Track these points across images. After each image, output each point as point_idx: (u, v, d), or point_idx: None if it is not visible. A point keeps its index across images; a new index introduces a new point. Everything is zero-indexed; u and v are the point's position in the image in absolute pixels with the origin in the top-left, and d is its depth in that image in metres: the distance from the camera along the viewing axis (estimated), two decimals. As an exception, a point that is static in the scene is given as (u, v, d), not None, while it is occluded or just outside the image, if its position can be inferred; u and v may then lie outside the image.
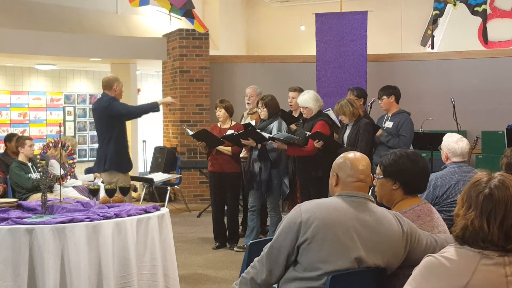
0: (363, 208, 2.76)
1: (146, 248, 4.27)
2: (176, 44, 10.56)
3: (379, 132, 6.62)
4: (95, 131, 13.16)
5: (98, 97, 6.73)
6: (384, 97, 6.77)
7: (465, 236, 2.09)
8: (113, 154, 6.27)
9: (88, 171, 9.28)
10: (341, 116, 6.42)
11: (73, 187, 7.79)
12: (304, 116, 6.63)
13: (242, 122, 7.39)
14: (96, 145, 7.25)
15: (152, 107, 6.53)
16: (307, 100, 6.53)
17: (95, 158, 6.94)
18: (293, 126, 7.12)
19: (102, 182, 6.51)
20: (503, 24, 12.43)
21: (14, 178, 7.26)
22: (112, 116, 6.28)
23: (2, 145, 11.63)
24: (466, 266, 2.07)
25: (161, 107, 6.84)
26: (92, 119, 13.69)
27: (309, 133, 6.29)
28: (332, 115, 6.88)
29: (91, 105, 7.39)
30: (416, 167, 3.00)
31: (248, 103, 7.65)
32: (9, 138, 8.45)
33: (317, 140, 6.26)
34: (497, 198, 2.07)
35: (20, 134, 9.34)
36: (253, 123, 7.27)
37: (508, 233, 2.06)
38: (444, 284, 2.06)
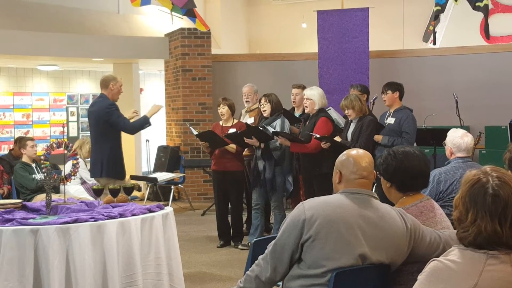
0: (367, 205, 2.77)
1: (150, 247, 4.27)
2: (178, 43, 10.56)
3: (379, 137, 6.57)
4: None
5: (95, 98, 6.65)
6: (389, 92, 6.76)
7: (478, 242, 2.04)
8: (109, 161, 6.20)
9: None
10: (349, 110, 6.33)
11: (82, 184, 7.84)
12: (307, 110, 6.62)
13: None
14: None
15: (144, 123, 6.39)
16: (314, 93, 6.54)
17: None
18: (295, 129, 7.03)
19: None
20: (505, 19, 12.38)
21: (18, 179, 7.28)
22: (109, 124, 6.21)
23: (6, 146, 11.71)
24: (472, 268, 2.03)
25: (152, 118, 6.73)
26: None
27: (317, 135, 6.27)
28: (333, 114, 6.85)
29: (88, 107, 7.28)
30: (401, 166, 2.95)
31: (247, 101, 7.65)
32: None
33: (324, 141, 6.24)
34: (504, 197, 2.02)
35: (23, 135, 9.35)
36: (252, 120, 7.28)
37: None
38: (452, 287, 2.02)
